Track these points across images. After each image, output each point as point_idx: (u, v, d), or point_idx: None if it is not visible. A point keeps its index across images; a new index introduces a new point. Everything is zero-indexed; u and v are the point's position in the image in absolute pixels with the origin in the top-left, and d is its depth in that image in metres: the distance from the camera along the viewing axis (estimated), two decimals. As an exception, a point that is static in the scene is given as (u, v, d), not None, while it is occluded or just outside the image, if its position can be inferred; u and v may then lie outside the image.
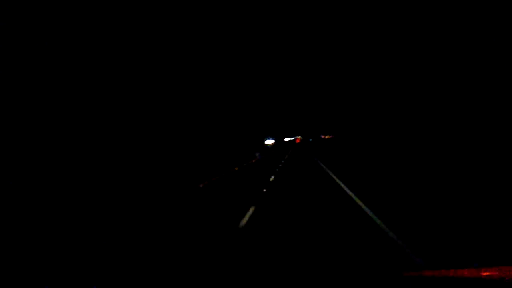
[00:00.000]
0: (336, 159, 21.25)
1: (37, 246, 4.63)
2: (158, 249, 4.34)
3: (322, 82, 77.80)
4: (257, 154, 33.06)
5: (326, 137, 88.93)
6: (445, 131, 17.11)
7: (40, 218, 6.38)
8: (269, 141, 76.03)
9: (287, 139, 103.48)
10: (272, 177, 12.35)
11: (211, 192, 9.24)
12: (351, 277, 1.60)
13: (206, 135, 33.88)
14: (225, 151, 31.25)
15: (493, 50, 13.98)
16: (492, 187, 7.52)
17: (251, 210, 6.57)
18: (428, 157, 15.44)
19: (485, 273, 1.26)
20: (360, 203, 6.74)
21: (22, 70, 14.61)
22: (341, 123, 66.30)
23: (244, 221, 5.71)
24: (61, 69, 16.11)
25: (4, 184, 8.63)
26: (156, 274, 3.41)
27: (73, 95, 16.34)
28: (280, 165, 18.18)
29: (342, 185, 9.51)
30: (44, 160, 12.33)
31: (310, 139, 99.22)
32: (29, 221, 6.15)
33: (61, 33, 16.59)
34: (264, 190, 9.22)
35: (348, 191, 8.39)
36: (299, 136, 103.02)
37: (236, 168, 17.16)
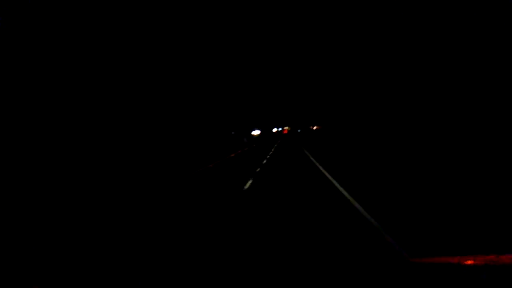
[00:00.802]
0: (320, 148, 24.20)
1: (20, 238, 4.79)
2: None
3: (310, 73, 79.50)
4: (245, 139, 35.98)
5: (314, 128, 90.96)
6: (429, 126, 19.32)
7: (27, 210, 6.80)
8: (256, 132, 77.36)
9: (275, 129, 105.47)
10: (264, 161, 15.29)
11: (219, 170, 12.20)
12: (355, 262, 1.62)
13: (200, 129, 35.84)
14: (217, 143, 33.54)
15: (478, 48, 15.06)
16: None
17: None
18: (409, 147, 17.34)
19: (497, 261, 1.24)
20: (329, 176, 9.71)
21: (21, 70, 15.50)
22: (329, 114, 68.96)
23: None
24: (52, 65, 16.79)
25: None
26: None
27: (67, 91, 17.30)
28: (270, 153, 21.10)
29: (321, 168, 12.48)
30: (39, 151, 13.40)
31: (299, 130, 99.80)
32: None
33: (57, 32, 17.22)
34: (258, 169, 12.16)
35: (324, 172, 11.38)
36: (287, 127, 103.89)
37: (233, 155, 20.09)
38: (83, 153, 15.94)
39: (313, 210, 5.67)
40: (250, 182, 9.28)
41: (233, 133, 57.48)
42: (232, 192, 7.84)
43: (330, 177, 9.36)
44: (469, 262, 1.29)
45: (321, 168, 11.71)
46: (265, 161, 15.30)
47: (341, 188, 7.51)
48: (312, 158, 15.44)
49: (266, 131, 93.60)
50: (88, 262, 3.65)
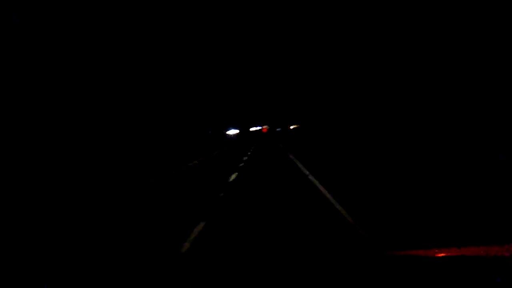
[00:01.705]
0: (296, 145, 25.45)
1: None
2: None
3: (288, 72, 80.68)
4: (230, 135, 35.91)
5: (293, 127, 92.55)
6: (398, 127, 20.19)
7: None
8: (232, 131, 75.59)
9: (253, 128, 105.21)
10: (246, 158, 16.36)
11: (206, 165, 13.21)
12: (328, 248, 1.93)
13: (181, 129, 35.31)
14: (198, 141, 33.27)
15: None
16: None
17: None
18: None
19: (469, 252, 1.26)
20: (302, 167, 10.89)
21: (21, 69, 15.56)
22: (307, 114, 70.72)
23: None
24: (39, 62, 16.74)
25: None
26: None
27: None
28: (251, 149, 22.18)
29: (299, 164, 13.67)
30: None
31: (278, 129, 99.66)
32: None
33: (51, 30, 17.33)
34: (241, 165, 13.23)
35: (300, 165, 12.56)
36: (266, 126, 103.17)
37: (215, 153, 21.04)
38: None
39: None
40: (234, 174, 10.32)
41: (210, 132, 56.96)
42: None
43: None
44: (443, 254, 1.30)
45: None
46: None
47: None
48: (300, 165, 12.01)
49: (244, 130, 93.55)
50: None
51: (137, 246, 4.20)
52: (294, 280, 1.17)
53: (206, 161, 15.77)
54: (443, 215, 4.77)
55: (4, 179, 9.64)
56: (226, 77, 78.11)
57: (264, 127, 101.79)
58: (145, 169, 13.41)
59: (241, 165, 13.18)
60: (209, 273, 1.32)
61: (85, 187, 9.21)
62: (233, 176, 10.01)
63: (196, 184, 9.09)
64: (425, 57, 18.09)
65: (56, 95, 18.05)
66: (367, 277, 1.17)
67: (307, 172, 9.82)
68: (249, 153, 19.39)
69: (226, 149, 24.21)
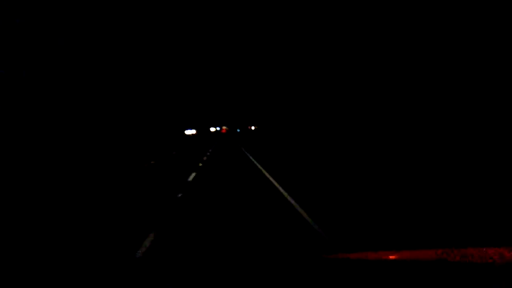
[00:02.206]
0: (254, 144, 25.96)
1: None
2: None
3: (246, 74, 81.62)
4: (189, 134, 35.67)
5: (252, 128, 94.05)
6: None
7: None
8: (190, 132, 75.78)
9: (212, 129, 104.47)
10: (205, 158, 16.47)
11: (164, 165, 13.13)
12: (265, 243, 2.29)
13: (136, 129, 34.59)
14: (157, 141, 32.76)
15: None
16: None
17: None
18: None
19: (401, 256, 1.28)
20: (256, 163, 11.28)
21: (21, 70, 15.40)
22: (265, 115, 72.23)
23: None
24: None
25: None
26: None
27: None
28: (210, 150, 22.26)
29: (254, 160, 14.06)
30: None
31: (238, 130, 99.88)
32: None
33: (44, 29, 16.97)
34: (200, 164, 13.35)
35: (255, 162, 12.95)
36: (225, 127, 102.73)
37: (174, 152, 20.88)
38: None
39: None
40: (193, 174, 10.46)
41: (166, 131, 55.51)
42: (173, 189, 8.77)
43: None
44: (375, 257, 1.31)
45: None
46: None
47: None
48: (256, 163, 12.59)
49: (203, 130, 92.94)
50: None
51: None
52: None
53: (163, 161, 15.29)
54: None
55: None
56: (187, 78, 77.06)
57: (223, 127, 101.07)
58: (102, 168, 12.97)
59: (210, 150, 13.61)
60: None
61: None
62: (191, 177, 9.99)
63: (154, 184, 8.84)
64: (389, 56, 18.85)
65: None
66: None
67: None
68: (212, 147, 19.93)
69: (183, 151, 22.05)
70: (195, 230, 4.68)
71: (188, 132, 77.30)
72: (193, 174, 10.55)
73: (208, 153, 19.47)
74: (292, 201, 6.19)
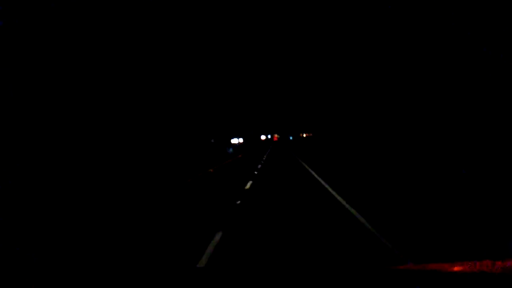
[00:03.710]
0: (310, 153, 25.08)
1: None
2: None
3: (300, 80, 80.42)
4: (230, 149, 35.05)
5: (305, 135, 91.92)
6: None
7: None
8: (235, 140, 65.85)
9: (263, 137, 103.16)
10: (259, 166, 16.06)
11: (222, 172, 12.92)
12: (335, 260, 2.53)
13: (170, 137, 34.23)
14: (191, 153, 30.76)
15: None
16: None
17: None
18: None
19: (473, 268, 1.22)
20: (313, 173, 10.48)
21: (21, 70, 15.35)
22: (320, 122, 70.33)
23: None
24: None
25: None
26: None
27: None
28: (264, 157, 21.89)
29: (312, 171, 13.26)
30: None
31: (291, 137, 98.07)
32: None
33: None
34: (256, 172, 12.91)
35: (313, 173, 12.15)
36: (276, 134, 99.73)
37: (229, 160, 20.79)
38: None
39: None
40: (250, 182, 9.98)
41: (212, 141, 51.00)
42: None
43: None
44: (451, 269, 1.27)
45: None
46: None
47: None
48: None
49: (253, 138, 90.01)
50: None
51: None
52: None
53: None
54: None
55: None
56: (236, 86, 77.44)
57: (275, 135, 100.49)
58: (151, 177, 12.62)
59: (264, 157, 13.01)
60: None
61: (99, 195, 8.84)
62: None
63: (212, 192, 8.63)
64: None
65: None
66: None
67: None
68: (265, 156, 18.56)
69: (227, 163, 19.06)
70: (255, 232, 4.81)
71: (234, 141, 66.69)
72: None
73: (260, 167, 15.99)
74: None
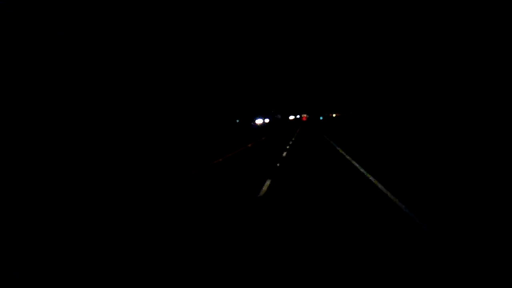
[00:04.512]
0: (340, 133, 26.69)
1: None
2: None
3: (328, 61, 79.44)
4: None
5: (334, 115, 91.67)
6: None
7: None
8: (259, 120, 60.76)
9: (291, 117, 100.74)
10: (291, 142, 18.34)
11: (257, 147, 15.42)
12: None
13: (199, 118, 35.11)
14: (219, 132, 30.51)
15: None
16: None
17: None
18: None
19: None
20: (349, 158, 12.65)
21: (21, 70, 15.37)
22: (348, 102, 70.14)
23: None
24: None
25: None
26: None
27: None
28: (295, 134, 23.92)
29: (339, 149, 15.37)
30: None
31: (321, 117, 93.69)
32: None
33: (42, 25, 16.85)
34: (288, 146, 15.30)
35: (345, 155, 14.28)
36: (305, 114, 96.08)
37: (263, 138, 23.17)
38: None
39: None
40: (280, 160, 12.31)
41: (238, 121, 51.51)
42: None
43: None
44: None
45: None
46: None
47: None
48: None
49: (280, 118, 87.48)
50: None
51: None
52: None
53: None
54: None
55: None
56: (266, 66, 77.05)
57: (303, 115, 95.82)
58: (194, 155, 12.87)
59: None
60: None
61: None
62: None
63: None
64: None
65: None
66: None
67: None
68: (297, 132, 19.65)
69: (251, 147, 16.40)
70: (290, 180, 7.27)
71: (259, 121, 59.58)
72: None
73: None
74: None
